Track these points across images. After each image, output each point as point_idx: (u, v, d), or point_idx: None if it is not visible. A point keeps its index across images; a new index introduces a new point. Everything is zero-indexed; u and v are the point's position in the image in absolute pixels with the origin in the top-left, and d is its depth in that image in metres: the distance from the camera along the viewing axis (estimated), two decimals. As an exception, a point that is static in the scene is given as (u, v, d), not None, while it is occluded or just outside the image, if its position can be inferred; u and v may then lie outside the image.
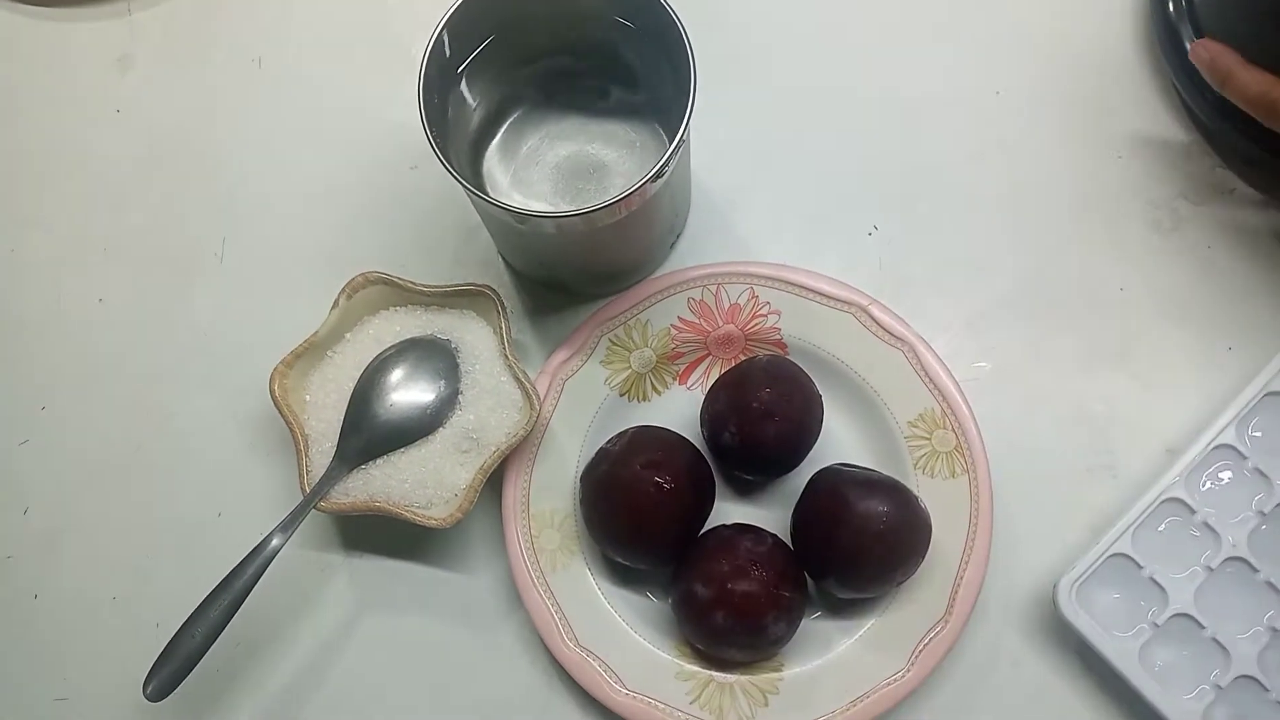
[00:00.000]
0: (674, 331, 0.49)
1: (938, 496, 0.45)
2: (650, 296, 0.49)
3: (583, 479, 0.46)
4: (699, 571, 0.43)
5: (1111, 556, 0.45)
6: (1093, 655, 0.44)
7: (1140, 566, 0.44)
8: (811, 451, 0.46)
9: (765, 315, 0.49)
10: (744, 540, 0.43)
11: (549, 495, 0.47)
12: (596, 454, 0.46)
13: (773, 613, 0.42)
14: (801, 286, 0.48)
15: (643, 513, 0.43)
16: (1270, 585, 0.44)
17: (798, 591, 0.43)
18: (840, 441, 0.48)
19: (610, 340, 0.49)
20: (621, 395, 0.49)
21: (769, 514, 0.48)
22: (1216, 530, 0.45)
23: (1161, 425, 0.48)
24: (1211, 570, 0.44)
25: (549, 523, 0.47)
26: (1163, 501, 0.45)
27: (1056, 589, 0.44)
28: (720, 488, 0.47)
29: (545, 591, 0.45)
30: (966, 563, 0.45)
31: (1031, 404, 0.49)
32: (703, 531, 0.45)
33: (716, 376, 0.48)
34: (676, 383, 0.50)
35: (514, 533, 0.46)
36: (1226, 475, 0.46)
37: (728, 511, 0.48)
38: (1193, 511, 0.45)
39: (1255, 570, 0.44)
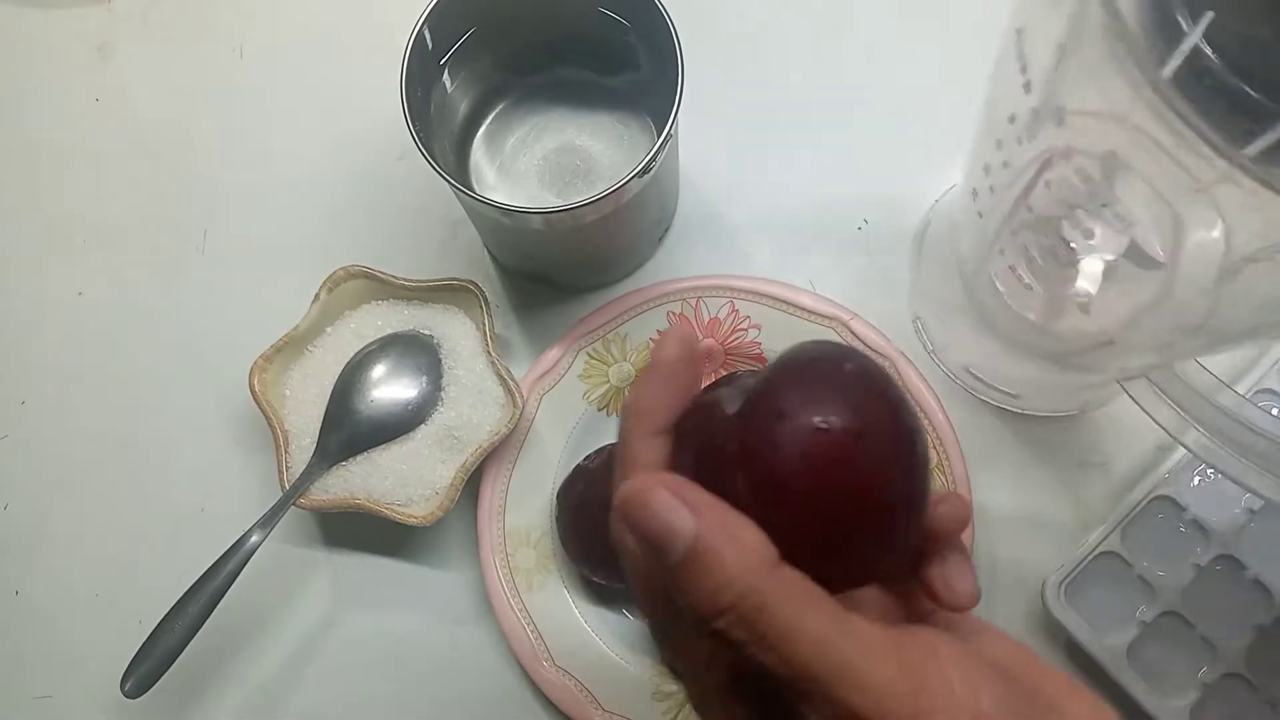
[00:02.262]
0: (653, 345, 0.48)
1: None
2: (630, 310, 0.48)
3: (559, 497, 0.45)
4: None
5: (1101, 554, 0.44)
6: (1082, 653, 0.44)
7: (1129, 564, 0.44)
8: None
9: (745, 330, 0.48)
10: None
11: (524, 512, 0.46)
12: (573, 471, 0.45)
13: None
14: (782, 300, 0.47)
15: None
16: (1259, 583, 0.44)
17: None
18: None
19: (589, 354, 0.48)
20: (600, 409, 0.48)
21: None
22: (1206, 528, 0.44)
23: (1153, 424, 0.48)
24: (1200, 568, 0.44)
25: (525, 541, 0.46)
26: (1152, 499, 0.45)
27: (1045, 587, 0.44)
28: None
29: (521, 611, 0.45)
30: None
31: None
32: None
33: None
34: None
35: (489, 551, 0.45)
36: (1216, 473, 0.46)
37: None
38: (1182, 509, 0.45)
39: (1244, 568, 0.44)
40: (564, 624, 0.45)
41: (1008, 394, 0.47)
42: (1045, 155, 0.30)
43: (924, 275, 0.50)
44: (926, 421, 0.45)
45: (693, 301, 0.48)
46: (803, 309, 0.47)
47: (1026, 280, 0.37)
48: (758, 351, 0.48)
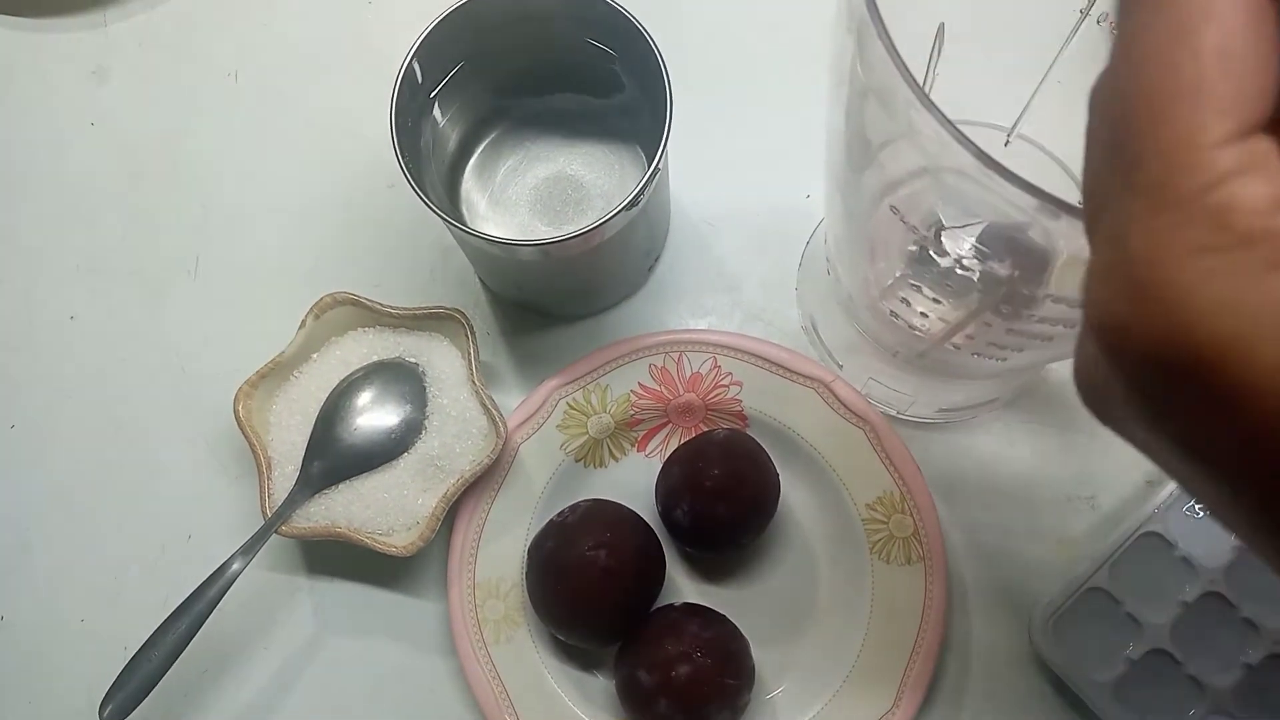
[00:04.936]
0: (634, 398, 0.47)
1: (891, 584, 0.44)
2: (612, 361, 0.47)
3: (530, 552, 0.44)
4: (644, 656, 0.41)
5: (1088, 590, 0.44)
6: (1068, 690, 0.43)
7: (1117, 601, 0.44)
8: (768, 529, 0.45)
9: (727, 386, 0.47)
10: (691, 624, 0.42)
11: (495, 563, 0.46)
12: (546, 526, 0.44)
13: (717, 701, 0.41)
14: (764, 359, 0.47)
15: (586, 597, 0.42)
16: (1248, 621, 0.43)
17: (743, 678, 0.42)
18: (797, 521, 0.47)
19: (569, 404, 0.47)
20: (578, 461, 0.48)
21: (722, 589, 0.47)
22: (1195, 565, 0.44)
23: (1143, 457, 0.48)
24: (1189, 605, 0.44)
25: (494, 592, 0.45)
26: (1141, 535, 0.44)
27: (1031, 621, 0.44)
28: (675, 559, 0.46)
29: (486, 663, 0.44)
30: (916, 657, 0.43)
31: (1014, 432, 0.48)
32: (653, 608, 0.44)
33: (675, 445, 0.47)
34: (635, 450, 0.48)
35: (457, 600, 0.45)
36: (1206, 509, 0.45)
37: (680, 584, 0.47)
38: (1171, 545, 0.44)
39: (1233, 606, 0.44)
40: (530, 679, 0.44)
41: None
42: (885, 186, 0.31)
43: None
44: (908, 492, 0.45)
45: (675, 356, 0.48)
46: (784, 368, 0.47)
47: (922, 309, 0.37)
48: (738, 409, 0.47)
